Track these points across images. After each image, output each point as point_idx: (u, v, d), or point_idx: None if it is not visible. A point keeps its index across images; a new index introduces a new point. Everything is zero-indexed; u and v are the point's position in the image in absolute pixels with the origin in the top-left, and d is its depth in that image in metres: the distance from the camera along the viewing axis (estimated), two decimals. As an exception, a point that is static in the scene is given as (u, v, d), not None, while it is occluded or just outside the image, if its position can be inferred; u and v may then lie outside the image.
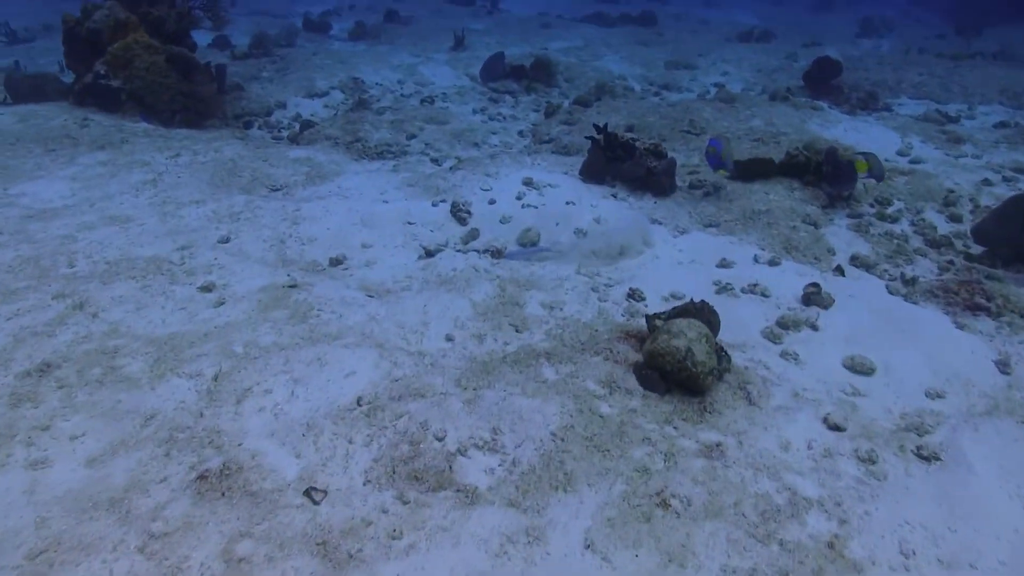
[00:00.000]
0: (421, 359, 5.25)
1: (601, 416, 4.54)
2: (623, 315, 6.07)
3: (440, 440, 4.29)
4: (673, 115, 12.35)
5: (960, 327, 6.21)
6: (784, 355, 5.64)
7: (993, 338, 6.04)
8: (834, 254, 7.81)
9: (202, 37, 19.22)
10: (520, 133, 12.64)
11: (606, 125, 9.08)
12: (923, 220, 8.74)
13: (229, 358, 5.03)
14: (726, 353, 4.99)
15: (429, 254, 7.38)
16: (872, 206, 9.12)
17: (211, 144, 10.14)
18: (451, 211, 8.14)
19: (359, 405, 4.62)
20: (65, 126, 10.28)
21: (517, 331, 5.74)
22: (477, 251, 7.42)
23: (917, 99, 16.05)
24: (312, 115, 13.54)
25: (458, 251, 7.47)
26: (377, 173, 9.68)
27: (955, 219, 8.82)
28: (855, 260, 7.68)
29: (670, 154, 9.16)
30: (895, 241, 8.22)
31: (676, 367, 4.62)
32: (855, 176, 9.09)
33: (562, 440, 4.31)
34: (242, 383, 4.78)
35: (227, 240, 7.16)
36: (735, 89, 15.80)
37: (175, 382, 4.76)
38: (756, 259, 7.38)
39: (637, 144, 8.96)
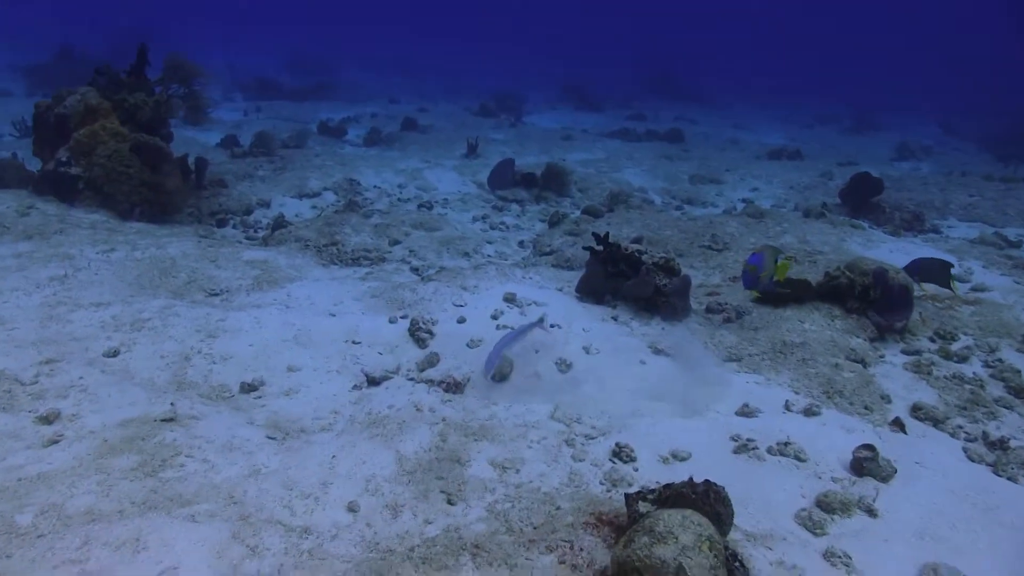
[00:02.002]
0: (299, 542, 3.59)
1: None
2: (602, 483, 4.39)
3: None
4: (693, 229, 10.92)
5: (1081, 519, 4.41)
6: (830, 556, 3.88)
7: None
8: (889, 402, 6.09)
9: (212, 136, 18.64)
10: (520, 244, 11.28)
11: (607, 234, 7.63)
12: (1001, 361, 7.00)
13: (1, 534, 3.42)
14: (741, 563, 3.27)
15: (372, 383, 5.83)
16: (933, 340, 7.43)
17: (160, 240, 8.86)
18: (409, 330, 6.62)
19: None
20: (3, 214, 9.11)
21: (449, 502, 4.07)
22: (431, 381, 5.85)
23: (968, 221, 14.53)
24: (296, 216, 12.36)
25: (410, 379, 5.92)
26: (342, 281, 8.27)
27: (1041, 361, 7.08)
28: (918, 412, 5.95)
29: (685, 271, 7.65)
30: (967, 387, 6.50)
31: (660, 595, 2.91)
32: (911, 303, 7.46)
33: None
34: (2, 581, 3.16)
35: (115, 354, 5.69)
36: (765, 205, 14.43)
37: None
38: (788, 406, 5.70)
39: (644, 258, 7.47)
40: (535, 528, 3.76)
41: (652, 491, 3.57)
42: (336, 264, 9.48)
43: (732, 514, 3.41)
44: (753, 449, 4.93)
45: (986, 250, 11.29)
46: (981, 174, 19.46)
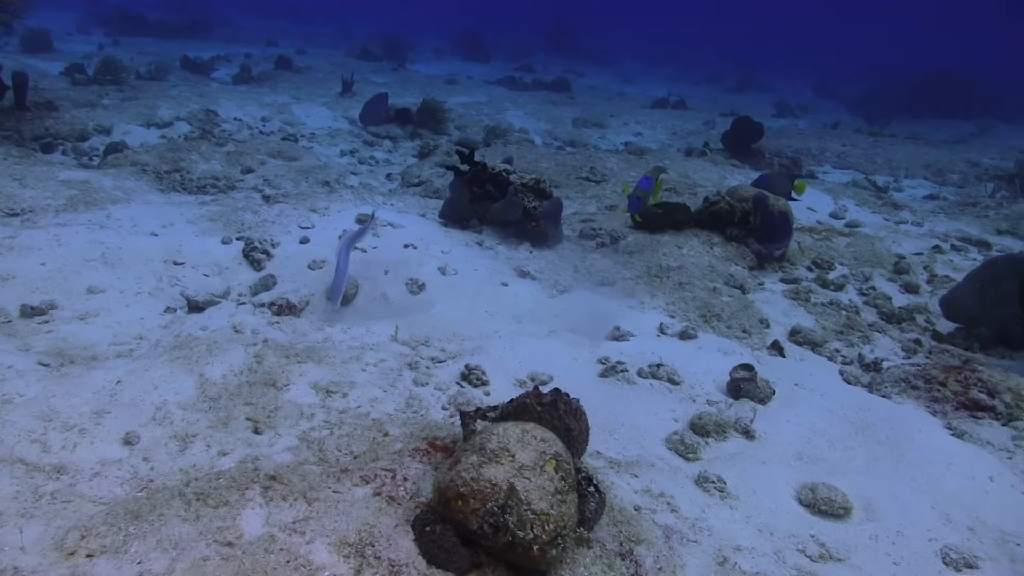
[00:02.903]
0: (42, 484, 2.77)
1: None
2: (445, 408, 3.74)
3: None
4: (571, 162, 10.36)
5: (958, 435, 4.10)
6: (703, 482, 3.38)
7: (1012, 454, 3.94)
8: (768, 327, 5.72)
9: (56, 66, 16.67)
10: (388, 176, 10.42)
11: (472, 151, 6.93)
12: (874, 289, 6.80)
13: None
14: (596, 487, 2.68)
15: (194, 308, 4.95)
16: (810, 269, 7.16)
17: (-52, 158, 7.52)
18: (243, 251, 5.75)
19: None
20: None
21: (255, 431, 3.32)
22: (264, 305, 5.03)
23: (842, 168, 14.75)
24: (142, 146, 11.02)
25: (241, 304, 5.08)
26: (179, 206, 7.22)
27: (911, 289, 6.92)
28: (796, 335, 5.61)
29: (558, 195, 7.06)
30: (844, 313, 6.23)
31: (488, 525, 2.28)
32: (790, 231, 7.16)
33: None
34: None
35: None
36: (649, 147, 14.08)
37: None
38: (663, 329, 5.22)
39: (512, 178, 6.82)
40: (354, 458, 3.07)
41: (494, 408, 2.93)
42: (177, 191, 8.40)
43: (587, 430, 2.82)
44: (622, 372, 4.40)
45: (858, 192, 11.29)
46: (852, 128, 19.91)
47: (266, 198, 8.47)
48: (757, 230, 7.09)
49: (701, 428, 3.86)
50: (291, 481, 2.73)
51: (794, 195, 7.60)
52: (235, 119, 13.38)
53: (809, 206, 9.42)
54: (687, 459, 3.63)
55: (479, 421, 2.85)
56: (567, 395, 2.77)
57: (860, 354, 5.40)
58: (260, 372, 3.81)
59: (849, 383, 4.90)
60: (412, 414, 3.60)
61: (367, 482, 2.74)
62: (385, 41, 32.02)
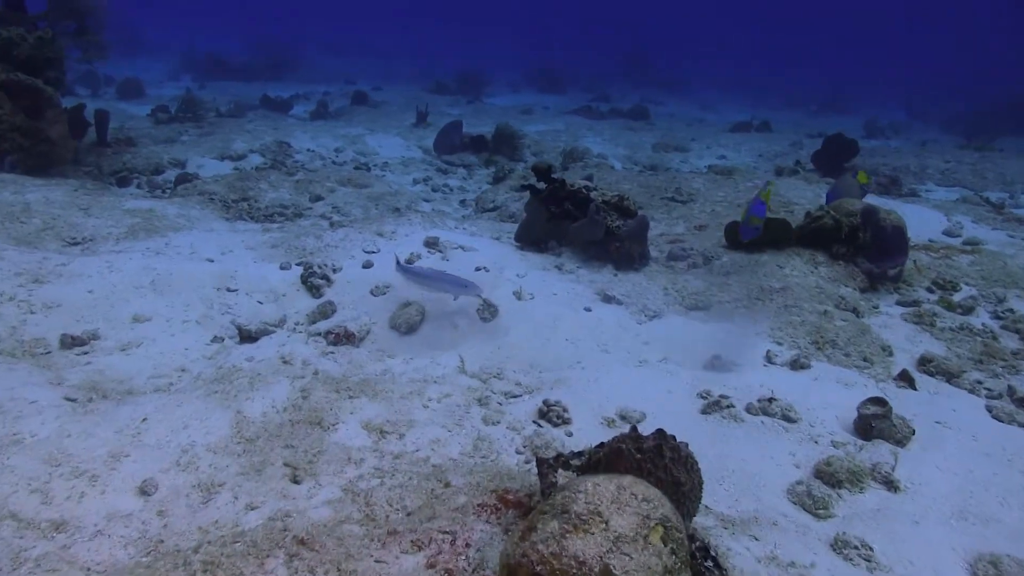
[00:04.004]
0: (31, 545, 2.30)
1: None
2: (520, 452, 3.15)
3: None
4: (655, 183, 9.73)
5: None
6: (842, 547, 2.68)
7: None
8: (891, 355, 4.94)
9: (144, 108, 17.04)
10: (462, 202, 9.99)
11: (549, 166, 6.40)
12: (1012, 311, 5.91)
13: None
14: (715, 561, 2.04)
15: (246, 338, 4.54)
16: (931, 291, 6.31)
17: (24, 188, 7.43)
18: (302, 277, 5.34)
19: None
20: None
21: (294, 479, 2.80)
22: (319, 333, 4.57)
23: (947, 186, 13.60)
24: (215, 177, 10.94)
25: (296, 333, 4.64)
26: (242, 233, 6.93)
27: (1055, 312, 6.00)
28: (927, 364, 4.81)
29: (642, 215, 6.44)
30: (979, 339, 5.38)
31: (575, 618, 1.67)
32: (906, 247, 6.35)
33: None
34: None
35: None
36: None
37: None
38: (770, 358, 4.52)
39: (593, 195, 6.25)
40: (407, 515, 2.51)
41: (579, 454, 2.33)
42: (243, 219, 8.14)
43: (700, 485, 2.19)
44: (727, 407, 3.73)
45: (972, 208, 10.27)
46: (953, 144, 18.64)
47: (331, 223, 8.15)
48: (867, 247, 6.31)
49: (830, 476, 3.16)
50: (325, 546, 2.19)
51: (864, 187, 7.05)
52: (308, 150, 13.26)
53: (919, 224, 8.51)
54: (817, 516, 2.94)
55: (560, 471, 2.26)
56: (673, 438, 2.15)
57: (1010, 386, 4.56)
58: (306, 409, 3.31)
59: (1001, 420, 4.10)
60: (480, 459, 3.02)
61: (419, 548, 2.18)
62: (460, 76, 32.05)
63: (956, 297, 6.20)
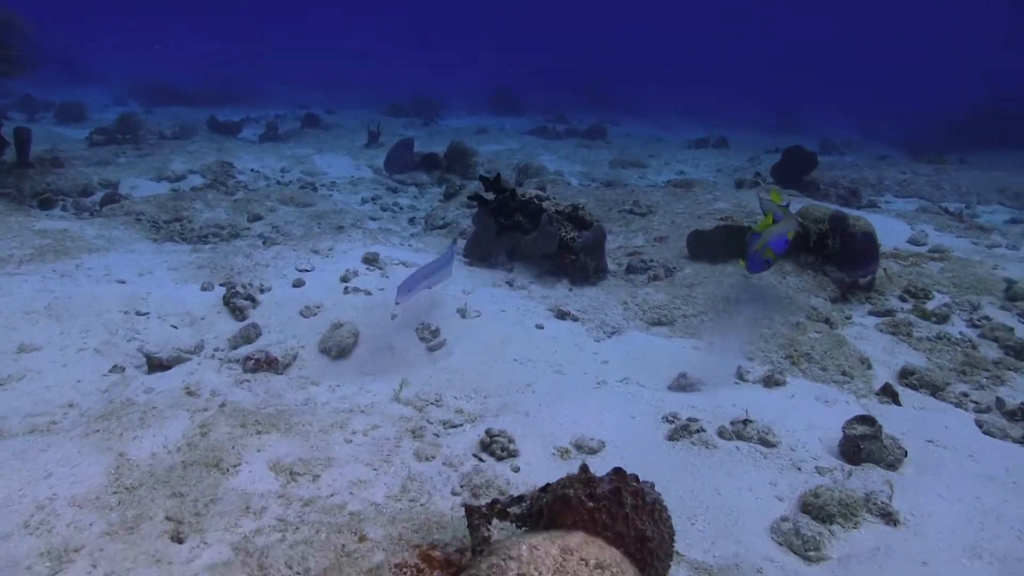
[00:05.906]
0: None
1: None
2: (456, 493, 2.66)
3: None
4: (612, 197, 9.35)
5: None
6: (839, 599, 2.23)
7: None
8: (870, 367, 4.56)
9: (83, 131, 16.27)
10: (411, 221, 9.50)
11: (498, 175, 5.96)
12: (988, 319, 5.59)
13: None
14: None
15: (156, 366, 3.98)
16: (903, 299, 5.98)
17: (-75, 213, 6.77)
18: (224, 298, 4.80)
19: None
20: None
21: (175, 537, 2.28)
22: (238, 360, 4.04)
23: (904, 197, 13.52)
24: (146, 198, 10.29)
25: (212, 359, 4.10)
26: (167, 254, 6.35)
27: (1032, 318, 5.70)
28: (909, 377, 4.43)
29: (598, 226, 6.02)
30: (958, 348, 5.04)
31: None
32: (877, 255, 6.03)
33: None
34: None
35: None
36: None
37: None
38: (741, 375, 4.10)
39: (546, 204, 5.82)
40: (306, 580, 1.99)
41: (520, 499, 1.85)
42: (175, 241, 7.54)
43: (671, 538, 1.71)
44: (697, 432, 3.28)
45: (934, 217, 10.09)
46: (908, 157, 18.72)
47: (264, 241, 7.59)
48: (836, 255, 5.97)
49: (819, 510, 2.72)
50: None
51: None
52: (252, 170, 12.65)
53: (883, 232, 8.24)
54: (807, 559, 2.49)
55: (497, 521, 1.77)
56: (635, 478, 1.68)
57: (998, 399, 4.20)
58: (203, 448, 2.78)
59: (994, 436, 3.72)
60: (408, 504, 2.53)
61: (314, 630, 1.67)
62: (417, 99, 31.60)
63: (929, 305, 5.88)
